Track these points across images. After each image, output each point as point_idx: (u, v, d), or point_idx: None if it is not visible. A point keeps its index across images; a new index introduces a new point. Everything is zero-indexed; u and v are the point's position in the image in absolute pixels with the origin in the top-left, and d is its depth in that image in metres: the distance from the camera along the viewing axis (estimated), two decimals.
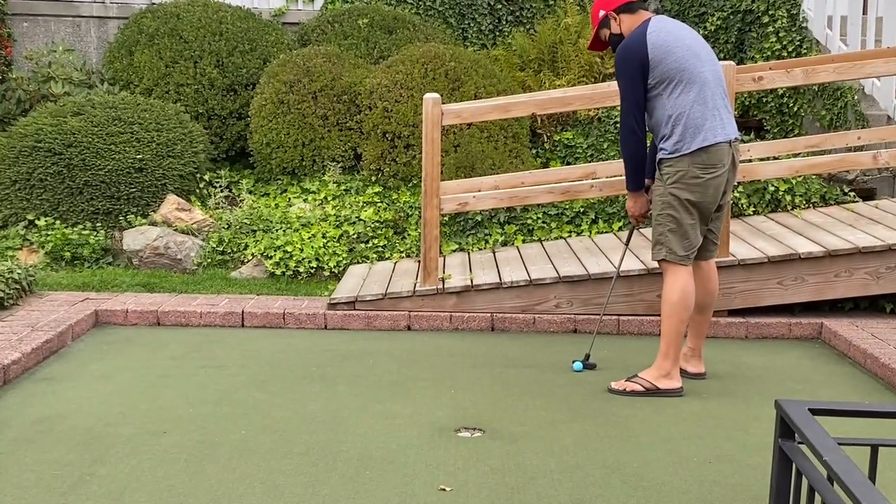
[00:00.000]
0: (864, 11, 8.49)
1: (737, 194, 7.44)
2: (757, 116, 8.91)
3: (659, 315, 6.22)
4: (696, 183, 4.85)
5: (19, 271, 6.30)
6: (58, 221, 7.41)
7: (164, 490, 3.72)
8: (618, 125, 8.13)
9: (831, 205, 7.66)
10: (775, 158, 7.19)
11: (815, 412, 1.97)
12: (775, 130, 8.69)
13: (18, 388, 4.89)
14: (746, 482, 3.88)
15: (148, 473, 3.87)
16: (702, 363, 5.29)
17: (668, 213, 4.93)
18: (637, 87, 4.90)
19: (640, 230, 6.57)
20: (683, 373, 5.16)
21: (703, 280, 5.16)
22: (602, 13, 5.07)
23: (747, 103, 8.89)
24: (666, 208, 4.93)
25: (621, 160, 7.39)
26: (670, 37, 4.87)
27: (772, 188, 7.57)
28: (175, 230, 7.44)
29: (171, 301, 6.38)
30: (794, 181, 7.62)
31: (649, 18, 4.97)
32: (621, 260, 5.69)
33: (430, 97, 6.22)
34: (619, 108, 8.07)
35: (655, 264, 6.31)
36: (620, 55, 4.94)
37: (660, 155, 4.94)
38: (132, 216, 7.50)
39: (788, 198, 7.58)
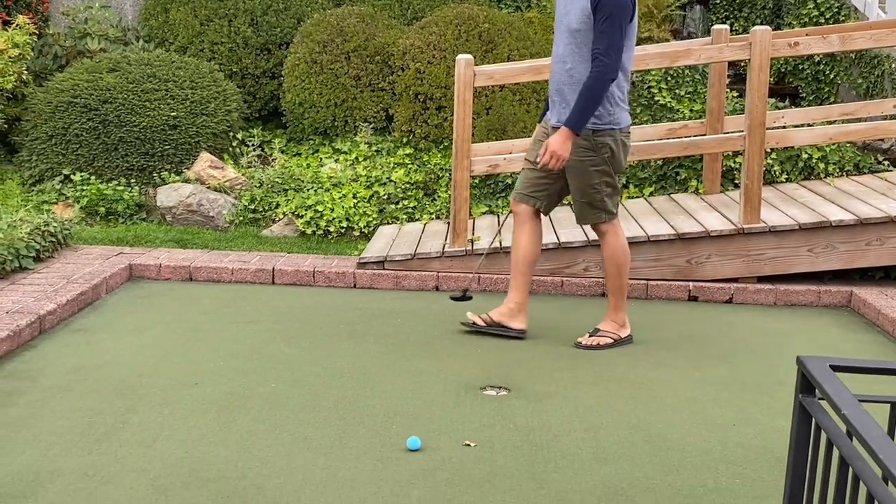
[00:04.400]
0: None
1: (769, 161, 7.41)
2: (792, 83, 8.83)
3: (684, 280, 6.26)
4: (625, 152, 5.08)
5: (55, 225, 6.40)
6: (93, 177, 7.50)
7: (196, 439, 3.81)
8: (651, 90, 8.09)
9: (865, 173, 7.60)
10: (809, 126, 7.15)
11: (835, 368, 1.99)
12: (810, 98, 8.62)
13: (54, 337, 5.00)
14: (770, 444, 3.92)
15: (179, 423, 3.95)
16: (527, 318, 5.29)
17: (604, 180, 5.02)
18: (621, 35, 4.86)
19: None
20: (507, 329, 5.22)
21: (541, 234, 5.30)
22: None
23: (783, 70, 8.82)
24: (603, 176, 5.00)
25: (654, 125, 7.48)
26: None
27: (805, 156, 7.53)
28: (208, 188, 7.51)
29: (204, 257, 6.46)
30: (827, 149, 7.56)
31: None
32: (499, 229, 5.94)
33: (463, 58, 6.23)
34: (653, 71, 8.10)
35: (688, 228, 6.35)
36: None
37: (597, 125, 4.92)
38: (166, 173, 7.57)
39: (822, 165, 7.53)
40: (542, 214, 5.26)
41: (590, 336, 5.16)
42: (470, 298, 5.49)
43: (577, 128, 4.83)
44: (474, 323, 5.26)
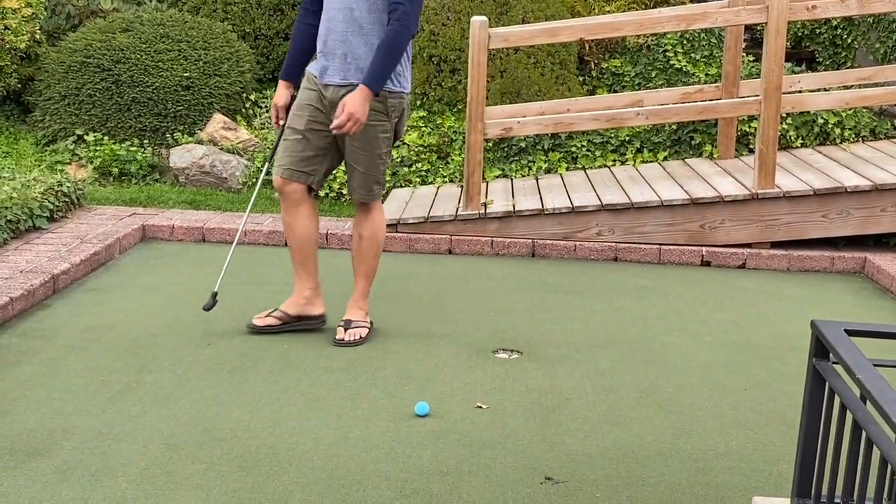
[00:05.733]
0: None
1: (785, 126, 7.36)
2: (809, 48, 8.74)
3: (697, 245, 6.24)
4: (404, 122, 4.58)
5: (68, 185, 6.41)
6: (106, 137, 7.50)
7: (209, 398, 3.83)
8: (667, 53, 8.03)
9: (881, 139, 7.56)
10: (826, 90, 7.09)
11: (850, 333, 1.99)
12: (827, 62, 8.54)
13: (68, 297, 5.02)
14: (781, 408, 3.92)
15: (192, 382, 3.98)
16: (322, 300, 4.75)
17: (388, 149, 4.54)
18: None
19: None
20: (310, 320, 4.67)
21: (317, 214, 4.74)
22: None
23: (800, 34, 8.72)
24: (388, 145, 4.51)
25: (669, 89, 7.43)
26: None
27: (821, 120, 7.48)
28: (221, 149, 7.50)
29: (217, 219, 6.46)
30: (843, 114, 7.51)
31: None
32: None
33: (478, 20, 6.19)
34: (669, 35, 8.03)
35: (701, 193, 6.32)
36: None
37: (391, 87, 4.35)
38: (179, 134, 7.56)
39: (837, 131, 7.48)
40: (312, 193, 4.62)
41: (346, 330, 4.54)
42: (214, 305, 4.60)
43: (376, 87, 4.22)
44: (268, 326, 4.60)
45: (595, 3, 8.45)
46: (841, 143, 7.48)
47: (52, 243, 5.64)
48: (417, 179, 7.34)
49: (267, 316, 4.63)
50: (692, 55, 8.01)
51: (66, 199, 6.32)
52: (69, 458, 3.31)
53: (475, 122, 6.28)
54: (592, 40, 8.02)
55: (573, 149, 7.52)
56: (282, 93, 4.58)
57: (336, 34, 4.33)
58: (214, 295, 4.60)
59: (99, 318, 4.70)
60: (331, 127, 4.27)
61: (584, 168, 7.43)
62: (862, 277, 6.01)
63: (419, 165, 7.41)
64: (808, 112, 7.32)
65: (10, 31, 7.69)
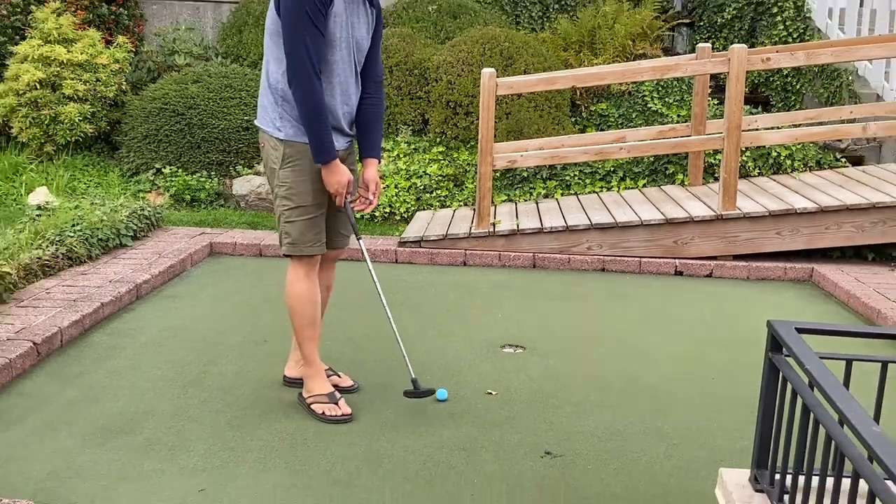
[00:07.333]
0: (861, 4, 8.26)
1: (744, 158, 7.34)
2: (764, 93, 8.72)
3: (672, 257, 6.22)
4: None
5: (149, 210, 6.45)
6: (180, 170, 7.55)
7: (265, 386, 3.84)
8: (645, 98, 8.02)
9: (825, 169, 7.52)
10: (778, 128, 7.06)
11: (800, 330, 1.98)
12: (779, 105, 8.51)
13: (148, 302, 5.05)
14: (742, 394, 3.90)
15: (252, 373, 3.99)
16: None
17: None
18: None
19: None
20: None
21: None
22: None
23: (756, 81, 8.71)
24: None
25: (647, 128, 7.42)
26: None
27: (774, 153, 7.46)
28: None
29: (271, 237, 6.48)
30: (793, 148, 7.48)
31: None
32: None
33: (487, 71, 6.20)
34: (647, 82, 8.04)
35: (675, 214, 6.30)
36: None
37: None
38: (240, 167, 7.61)
39: (788, 162, 7.45)
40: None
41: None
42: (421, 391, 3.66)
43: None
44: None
45: (584, 57, 8.48)
46: (791, 172, 7.45)
47: (135, 258, 5.68)
48: (437, 203, 7.35)
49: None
50: (666, 99, 8.00)
51: (147, 221, 6.36)
52: (150, 435, 3.32)
53: (485, 155, 6.29)
54: (583, 88, 8.03)
55: (567, 177, 7.52)
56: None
57: (353, 109, 3.54)
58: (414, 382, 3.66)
59: (174, 320, 4.72)
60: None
61: (576, 194, 7.42)
62: (810, 285, 5.97)
63: (438, 192, 7.42)
64: (764, 146, 7.29)
65: (101, 83, 7.76)
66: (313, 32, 3.22)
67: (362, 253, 3.68)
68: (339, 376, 3.83)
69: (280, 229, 3.50)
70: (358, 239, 3.68)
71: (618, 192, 7.36)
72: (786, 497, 2.01)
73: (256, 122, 3.52)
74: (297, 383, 3.78)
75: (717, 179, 7.14)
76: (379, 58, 3.57)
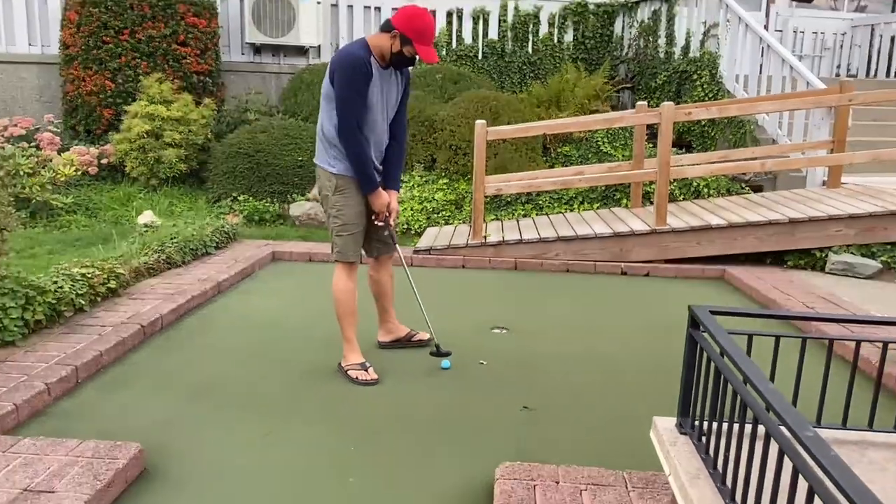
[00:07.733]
0: (760, 72, 8.25)
1: (672, 187, 7.31)
2: (687, 139, 8.69)
3: (618, 261, 6.18)
4: None
5: (228, 227, 6.45)
6: (251, 198, 7.55)
7: (317, 360, 3.82)
8: (598, 143, 8.01)
9: (734, 195, 7.49)
10: (698, 164, 7.04)
11: (714, 312, 1.97)
12: (699, 147, 8.49)
13: (227, 296, 5.04)
14: (670, 362, 3.87)
15: (304, 353, 3.97)
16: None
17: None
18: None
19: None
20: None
21: None
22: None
23: (681, 129, 8.68)
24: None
25: (599, 164, 7.39)
26: None
27: (695, 184, 7.43)
28: (320, 203, 7.51)
29: (318, 247, 6.46)
30: (710, 179, 7.46)
31: None
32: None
33: (480, 123, 6.20)
34: (599, 131, 8.03)
35: (621, 229, 6.28)
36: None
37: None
38: (295, 195, 7.60)
39: (706, 190, 7.43)
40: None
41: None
42: (445, 353, 3.74)
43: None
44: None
45: (552, 112, 8.47)
46: (708, 197, 7.42)
47: (217, 262, 5.68)
48: (442, 221, 7.34)
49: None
50: (614, 143, 7.98)
51: (226, 236, 6.35)
52: (230, 392, 3.32)
53: (479, 185, 6.29)
54: (552, 135, 8.02)
55: (540, 202, 7.50)
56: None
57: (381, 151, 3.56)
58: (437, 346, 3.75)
59: (246, 309, 4.71)
60: (391, 228, 3.67)
61: (547, 214, 7.40)
62: (723, 281, 5.94)
63: (444, 213, 7.41)
64: (687, 178, 7.27)
65: (192, 133, 7.78)
66: (358, 101, 3.31)
67: (399, 257, 3.84)
68: (418, 333, 3.98)
69: (332, 241, 3.56)
70: (395, 246, 3.79)
71: (578, 212, 7.34)
72: (703, 438, 2.00)
73: (315, 160, 3.60)
74: (389, 346, 3.91)
75: (652, 203, 7.12)
76: (405, 114, 3.59)
